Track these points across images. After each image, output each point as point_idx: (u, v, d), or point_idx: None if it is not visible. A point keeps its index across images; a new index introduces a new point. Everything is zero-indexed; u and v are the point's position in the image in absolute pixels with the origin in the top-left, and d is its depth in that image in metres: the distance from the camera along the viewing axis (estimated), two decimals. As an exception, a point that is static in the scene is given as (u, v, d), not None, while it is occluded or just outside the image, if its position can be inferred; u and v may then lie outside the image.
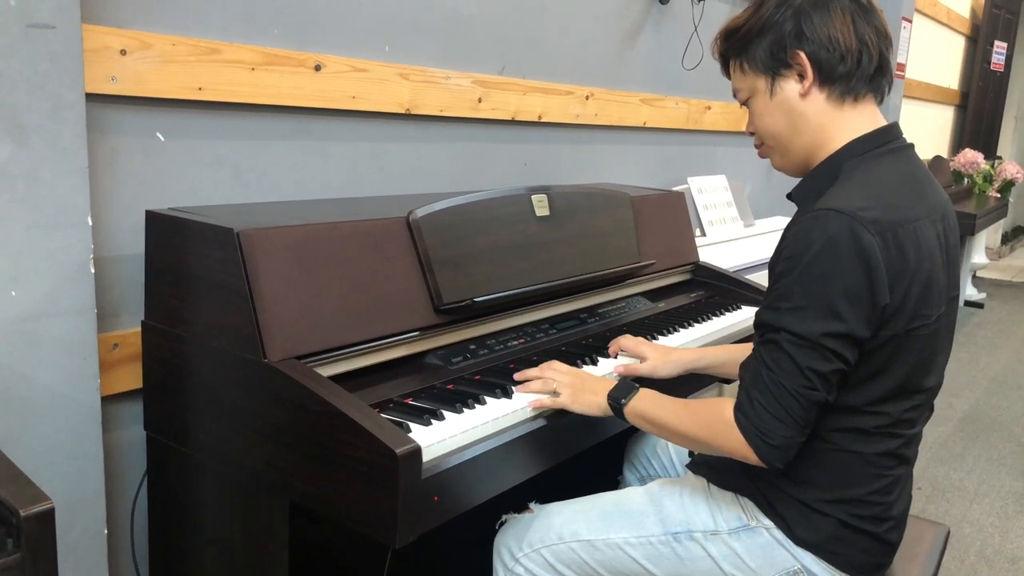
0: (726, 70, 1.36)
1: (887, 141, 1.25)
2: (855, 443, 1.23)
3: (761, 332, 1.20)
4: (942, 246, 1.23)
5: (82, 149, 1.30)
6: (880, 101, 1.30)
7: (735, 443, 1.18)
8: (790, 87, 1.26)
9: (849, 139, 1.25)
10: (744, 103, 1.34)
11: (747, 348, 1.58)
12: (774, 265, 1.20)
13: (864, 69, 1.24)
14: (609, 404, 1.34)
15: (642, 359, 1.57)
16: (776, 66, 1.26)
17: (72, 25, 1.27)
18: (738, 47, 1.30)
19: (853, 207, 1.13)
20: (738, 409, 1.18)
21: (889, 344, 1.17)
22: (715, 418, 1.21)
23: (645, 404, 1.32)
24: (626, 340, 1.60)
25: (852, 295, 1.12)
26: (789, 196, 1.33)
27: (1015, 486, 3.10)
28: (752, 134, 1.35)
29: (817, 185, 1.25)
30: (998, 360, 4.69)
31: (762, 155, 1.37)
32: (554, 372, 1.41)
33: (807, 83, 1.24)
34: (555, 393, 1.38)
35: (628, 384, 1.36)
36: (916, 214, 1.19)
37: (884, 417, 1.22)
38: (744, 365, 1.22)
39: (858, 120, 1.26)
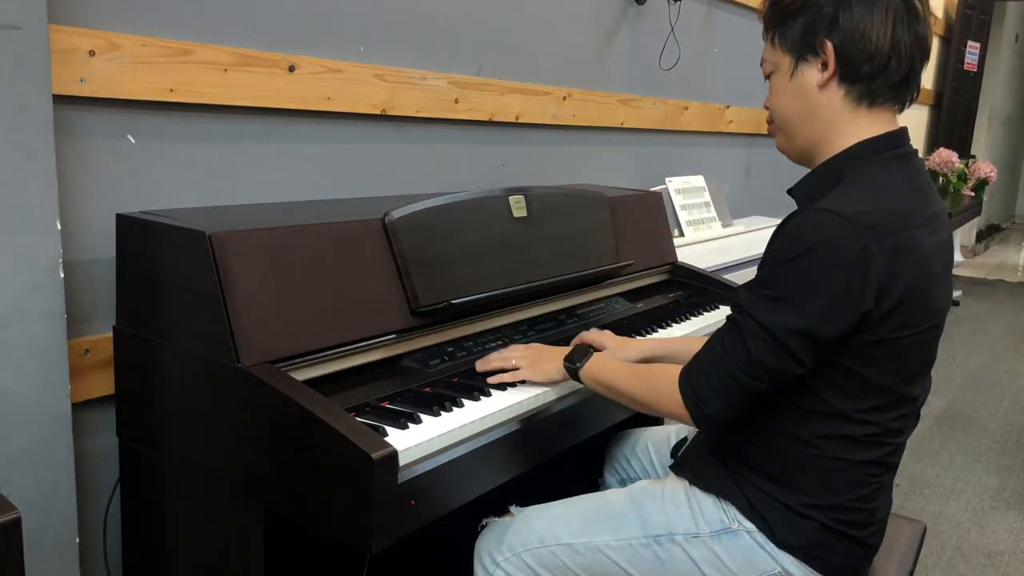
0: (765, 35, 1.32)
1: (893, 146, 1.24)
2: (843, 450, 1.23)
3: (733, 309, 1.22)
4: (940, 255, 1.22)
5: (49, 152, 1.28)
6: (900, 111, 1.28)
7: (674, 404, 1.22)
8: (811, 74, 1.24)
9: (856, 140, 1.23)
10: (767, 77, 1.32)
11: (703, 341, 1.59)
12: (764, 254, 1.21)
13: (889, 76, 1.21)
14: (565, 367, 1.39)
15: (601, 348, 1.56)
16: (803, 50, 1.24)
17: (38, 26, 1.25)
18: (776, 18, 1.28)
19: (852, 211, 1.13)
20: (683, 373, 1.22)
21: (873, 348, 1.17)
22: (660, 380, 1.26)
23: (597, 366, 1.37)
24: (588, 334, 1.61)
25: (830, 297, 1.12)
26: (789, 192, 1.33)
27: (991, 482, 3.13)
28: (767, 108, 1.34)
29: (819, 184, 1.24)
30: (974, 357, 4.74)
31: (769, 132, 1.36)
32: (512, 350, 1.47)
33: (827, 75, 1.22)
34: (515, 369, 1.41)
35: (583, 349, 1.40)
36: (916, 221, 1.18)
37: (873, 426, 1.22)
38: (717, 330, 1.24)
39: (871, 124, 1.24)
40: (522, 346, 1.48)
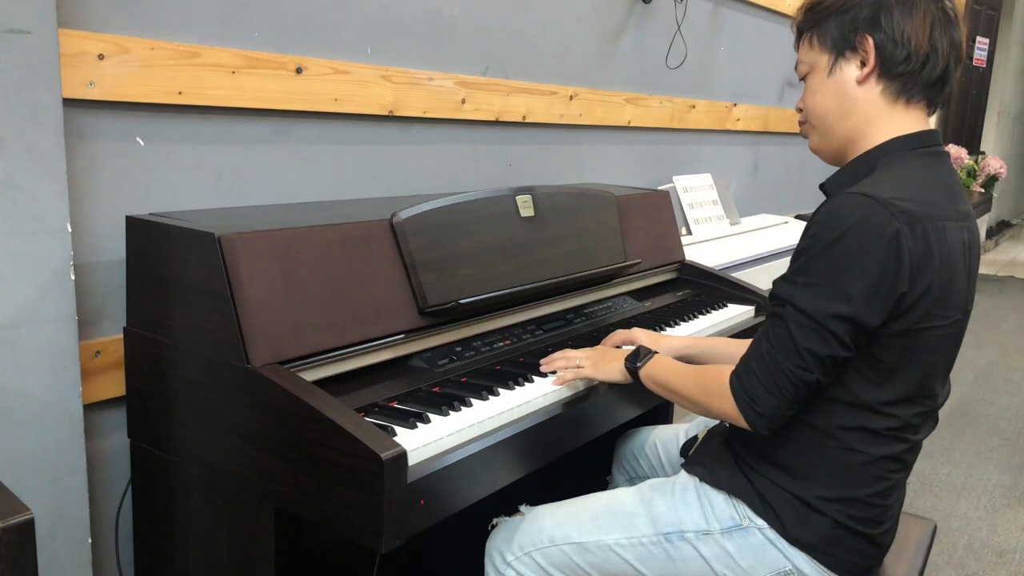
0: (797, 42, 1.35)
1: (927, 144, 1.26)
2: (862, 443, 1.23)
3: (772, 303, 1.22)
4: (966, 253, 1.23)
5: (60, 155, 1.29)
6: (931, 112, 1.30)
7: (727, 405, 1.22)
8: (850, 70, 1.26)
9: (891, 136, 1.25)
10: (803, 78, 1.34)
11: (740, 343, 1.59)
12: (800, 242, 1.21)
13: (926, 75, 1.24)
14: (626, 367, 1.42)
15: (634, 344, 1.56)
16: (843, 46, 1.26)
17: (48, 30, 1.25)
18: (814, 20, 1.30)
19: (885, 195, 1.14)
20: (734, 374, 1.22)
21: (902, 338, 1.17)
22: (713, 380, 1.26)
23: (656, 367, 1.40)
24: (617, 335, 1.62)
25: (870, 279, 1.12)
26: (822, 186, 1.34)
27: (1002, 479, 3.12)
28: (800, 110, 1.36)
29: (851, 178, 1.26)
30: (984, 354, 4.72)
31: (803, 133, 1.38)
32: (574, 351, 1.50)
33: (867, 71, 1.24)
34: (578, 368, 1.45)
35: (644, 350, 1.43)
36: (946, 214, 1.19)
37: (894, 419, 1.22)
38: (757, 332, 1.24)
39: (905, 121, 1.26)
40: (586, 348, 1.52)
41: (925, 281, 1.15)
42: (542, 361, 1.50)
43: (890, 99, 1.26)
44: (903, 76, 1.24)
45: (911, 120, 1.26)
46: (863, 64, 1.25)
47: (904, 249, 1.13)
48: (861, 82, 1.26)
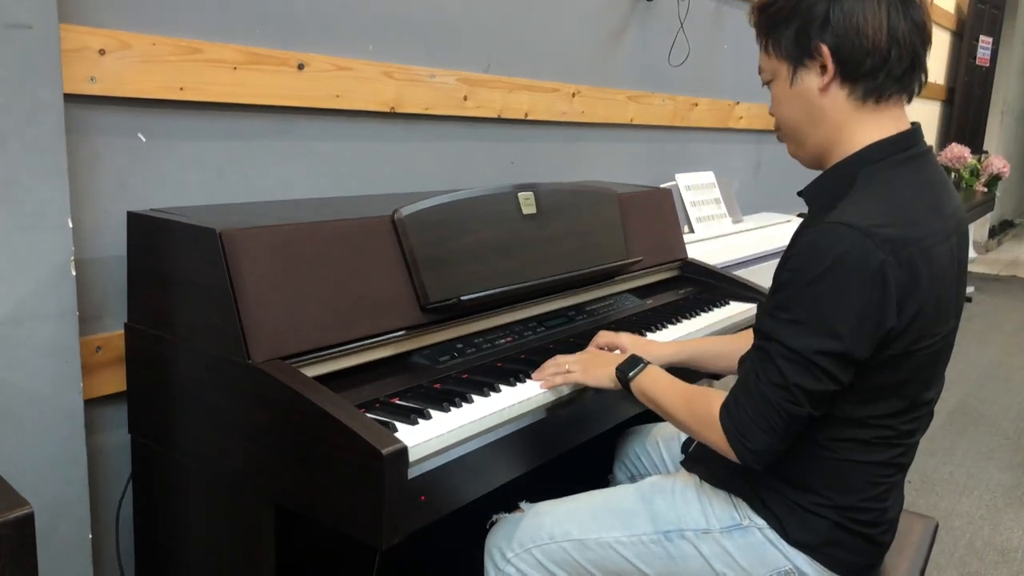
0: (757, 42, 1.30)
1: (907, 147, 1.20)
2: (855, 452, 1.22)
3: (756, 337, 1.19)
4: (953, 260, 1.20)
5: (61, 150, 1.29)
6: (909, 100, 1.24)
7: (716, 437, 1.19)
8: (811, 79, 1.20)
9: (868, 142, 1.19)
10: (766, 84, 1.29)
11: (728, 340, 1.58)
12: (779, 272, 1.17)
13: (892, 68, 1.17)
14: (616, 375, 1.37)
15: (621, 350, 1.54)
16: (800, 55, 1.20)
17: (49, 25, 1.25)
18: (767, 26, 1.25)
19: (867, 223, 1.09)
20: (724, 408, 1.18)
21: (894, 362, 1.15)
22: (703, 411, 1.22)
23: (648, 381, 1.34)
24: (603, 336, 1.58)
25: (857, 315, 1.09)
26: (800, 193, 1.30)
27: (1004, 479, 3.11)
28: (773, 115, 1.30)
29: (831, 188, 1.21)
30: (986, 354, 4.71)
31: (779, 139, 1.32)
32: (564, 357, 1.46)
33: (827, 78, 1.18)
34: (568, 372, 1.41)
35: (636, 359, 1.38)
36: (931, 230, 1.15)
37: (888, 429, 1.21)
38: (742, 359, 1.21)
39: (880, 122, 1.20)
40: (578, 352, 1.48)
41: (913, 307, 1.12)
42: (533, 374, 1.44)
43: (857, 102, 1.19)
44: (869, 75, 1.17)
45: (886, 120, 1.20)
46: (823, 70, 1.18)
47: (890, 280, 1.09)
48: (824, 90, 1.19)
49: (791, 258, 1.15)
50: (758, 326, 1.19)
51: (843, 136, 1.21)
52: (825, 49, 1.17)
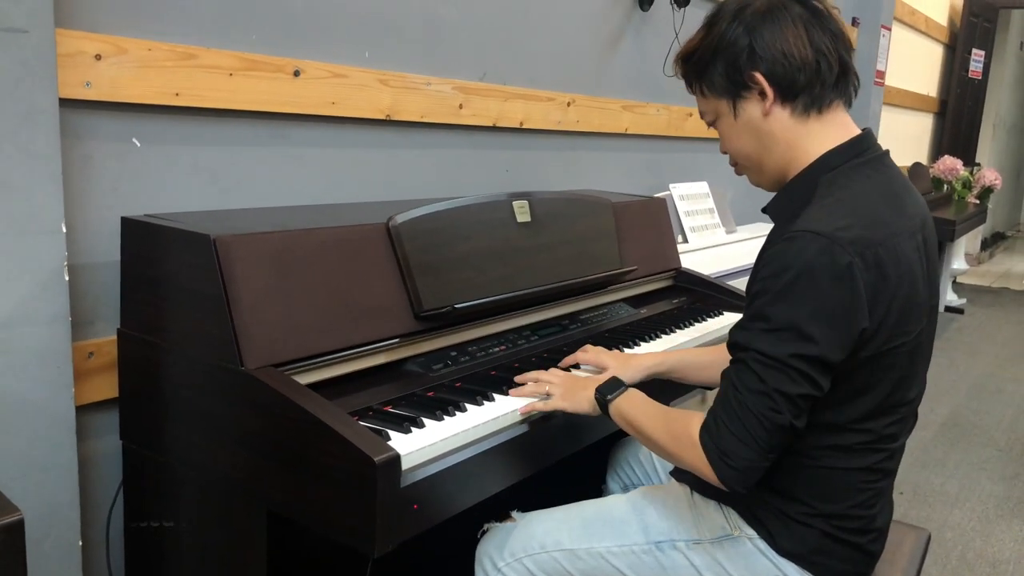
0: (690, 90, 1.34)
1: (862, 151, 1.23)
2: (837, 459, 1.22)
3: (733, 352, 1.18)
4: (922, 258, 1.21)
5: (56, 155, 1.29)
6: (849, 105, 1.27)
7: (698, 461, 1.16)
8: (752, 107, 1.24)
9: (821, 151, 1.23)
10: (711, 124, 1.32)
11: (711, 351, 1.58)
12: (751, 286, 1.19)
13: (825, 78, 1.21)
14: (595, 397, 1.35)
15: (603, 369, 1.54)
16: (735, 89, 1.24)
17: (45, 30, 1.25)
18: (696, 71, 1.29)
19: (831, 227, 1.11)
20: (704, 429, 1.16)
21: (869, 363, 1.16)
22: (682, 432, 1.19)
23: (626, 404, 1.32)
24: (584, 353, 1.57)
25: (828, 318, 1.10)
26: (764, 210, 1.32)
27: (996, 490, 3.12)
28: (725, 153, 1.33)
29: (793, 201, 1.23)
30: (978, 365, 4.73)
31: (738, 173, 1.36)
32: (548, 375, 1.43)
33: (768, 103, 1.22)
34: (547, 396, 1.39)
35: (616, 382, 1.36)
36: (896, 229, 1.17)
37: (867, 434, 1.21)
38: (724, 374, 1.21)
39: (827, 130, 1.23)
40: (558, 372, 1.46)
41: (884, 307, 1.13)
42: (516, 378, 1.44)
43: (802, 117, 1.22)
44: (804, 90, 1.21)
45: (834, 128, 1.23)
46: (763, 95, 1.22)
47: (859, 281, 1.10)
48: (767, 114, 1.23)
49: (760, 270, 1.16)
50: (732, 341, 1.18)
51: (797, 152, 1.24)
52: (759, 76, 1.21)
